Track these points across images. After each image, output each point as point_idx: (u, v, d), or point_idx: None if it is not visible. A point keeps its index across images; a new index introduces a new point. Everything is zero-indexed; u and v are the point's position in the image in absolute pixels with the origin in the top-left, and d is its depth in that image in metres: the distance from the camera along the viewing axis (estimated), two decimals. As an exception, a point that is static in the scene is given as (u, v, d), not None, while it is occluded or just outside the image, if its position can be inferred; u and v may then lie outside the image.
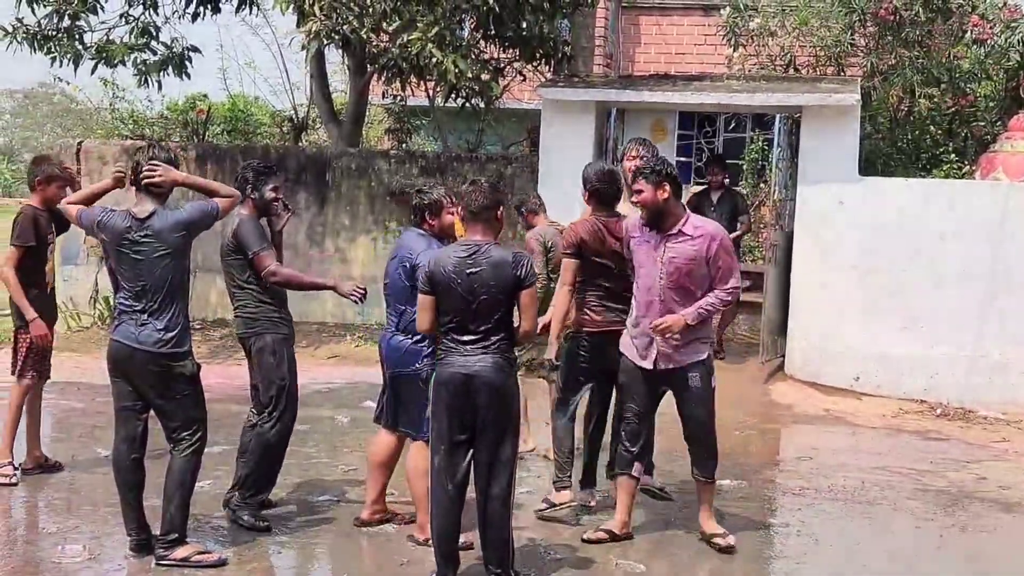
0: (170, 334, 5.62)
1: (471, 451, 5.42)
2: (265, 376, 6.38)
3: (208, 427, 5.88)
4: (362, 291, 6.39)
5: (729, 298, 6.22)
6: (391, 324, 6.25)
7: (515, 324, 5.47)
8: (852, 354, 10.82)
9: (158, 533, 5.69)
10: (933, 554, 6.60)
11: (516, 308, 5.40)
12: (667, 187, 5.92)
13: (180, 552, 5.65)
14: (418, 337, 5.96)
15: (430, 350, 5.84)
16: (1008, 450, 9.28)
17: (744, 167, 18.49)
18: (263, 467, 6.38)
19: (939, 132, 13.26)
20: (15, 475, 7.02)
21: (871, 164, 11.92)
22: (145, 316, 5.59)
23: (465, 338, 5.33)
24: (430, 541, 5.81)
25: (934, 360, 10.64)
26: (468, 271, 5.27)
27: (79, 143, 13.86)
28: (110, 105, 17.58)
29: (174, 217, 5.70)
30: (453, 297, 5.32)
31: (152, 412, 5.76)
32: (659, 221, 6.06)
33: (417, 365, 6.03)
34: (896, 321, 10.76)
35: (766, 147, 15.91)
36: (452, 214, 6.24)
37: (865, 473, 8.23)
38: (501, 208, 5.55)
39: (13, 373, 7.24)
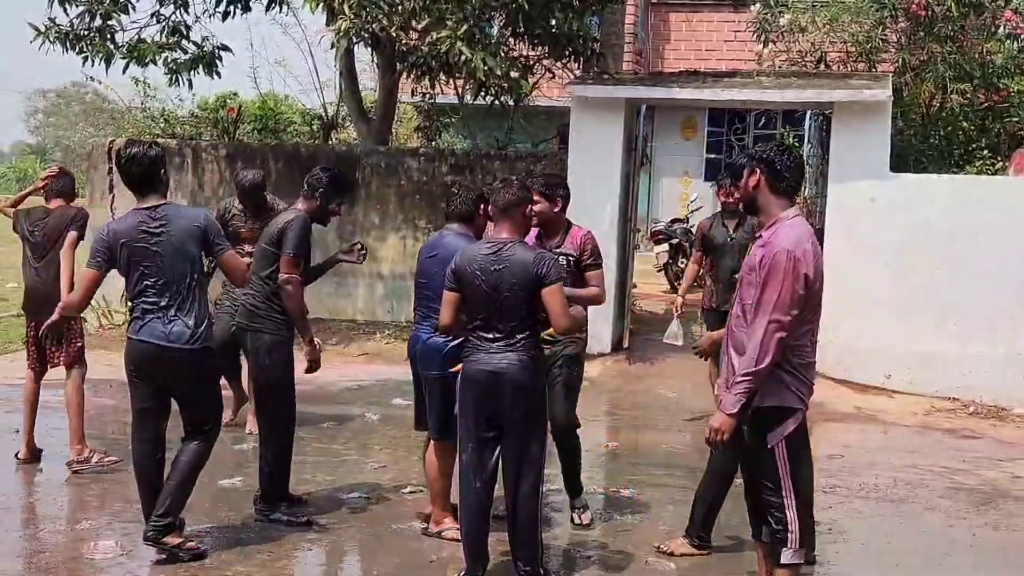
0: (199, 329, 5.63)
1: (499, 448, 5.42)
2: (259, 376, 6.45)
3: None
4: (362, 252, 6.54)
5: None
6: (422, 325, 6.21)
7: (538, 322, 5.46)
8: (884, 352, 10.78)
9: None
10: (965, 552, 6.56)
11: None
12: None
13: (173, 539, 5.62)
14: (458, 340, 5.84)
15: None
16: (1042, 449, 9.24)
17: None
18: (274, 471, 6.38)
19: (972, 128, 13.19)
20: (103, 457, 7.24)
21: (903, 161, 11.86)
22: (173, 312, 5.57)
23: (490, 336, 5.32)
24: (443, 533, 5.98)
25: (967, 358, 10.59)
26: (493, 268, 5.26)
27: (111, 142, 13.98)
28: (141, 104, 17.69)
29: (187, 210, 5.74)
30: (478, 294, 5.32)
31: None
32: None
33: (447, 368, 5.95)
34: (929, 319, 10.71)
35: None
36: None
37: (896, 471, 8.20)
38: (529, 207, 5.57)
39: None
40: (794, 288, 4.64)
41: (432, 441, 6.20)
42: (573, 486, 6.62)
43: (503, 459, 5.44)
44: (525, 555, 5.39)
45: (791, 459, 4.78)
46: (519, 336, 5.30)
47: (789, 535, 4.76)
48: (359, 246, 6.64)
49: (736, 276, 7.79)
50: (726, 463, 5.85)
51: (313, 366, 6.43)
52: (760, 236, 5.06)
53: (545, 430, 5.62)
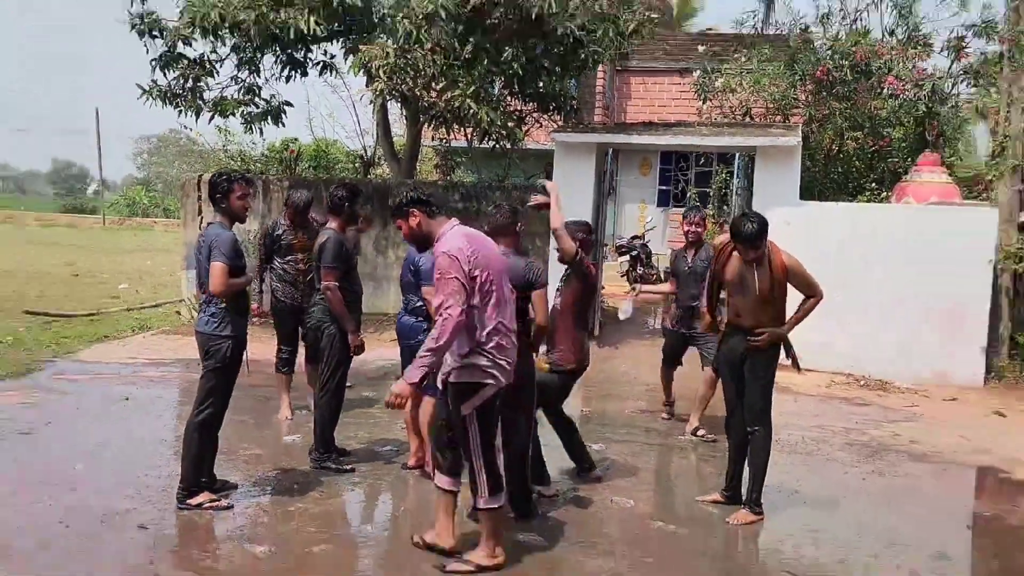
0: (207, 318, 5.54)
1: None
2: (325, 357, 6.39)
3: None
4: (360, 348, 6.44)
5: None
6: (402, 309, 6.37)
7: (530, 318, 5.39)
8: (795, 339, 10.71)
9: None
10: (857, 492, 6.57)
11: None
12: (416, 213, 4.82)
13: (195, 499, 5.47)
14: (420, 318, 6.06)
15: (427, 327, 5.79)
16: (916, 413, 9.24)
17: (711, 194, 18.58)
18: (325, 429, 6.40)
19: (862, 166, 13.27)
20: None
21: (810, 192, 11.90)
22: (202, 303, 5.65)
23: None
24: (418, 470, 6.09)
25: (859, 344, 10.61)
26: None
27: (199, 176, 13.96)
28: (223, 146, 17.71)
29: (214, 228, 5.58)
30: None
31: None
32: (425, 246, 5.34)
33: (419, 338, 5.87)
34: (830, 313, 10.69)
35: (728, 178, 15.88)
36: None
37: (804, 431, 8.21)
38: (518, 225, 5.49)
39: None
40: (457, 282, 4.45)
41: (426, 398, 6.12)
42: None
43: (502, 418, 5.24)
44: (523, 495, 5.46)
45: (481, 426, 4.60)
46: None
47: (479, 487, 4.66)
48: (361, 348, 6.51)
49: (695, 303, 7.66)
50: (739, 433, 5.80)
51: (358, 351, 6.43)
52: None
53: (533, 399, 5.48)
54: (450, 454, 4.82)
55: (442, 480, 4.83)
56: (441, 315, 4.43)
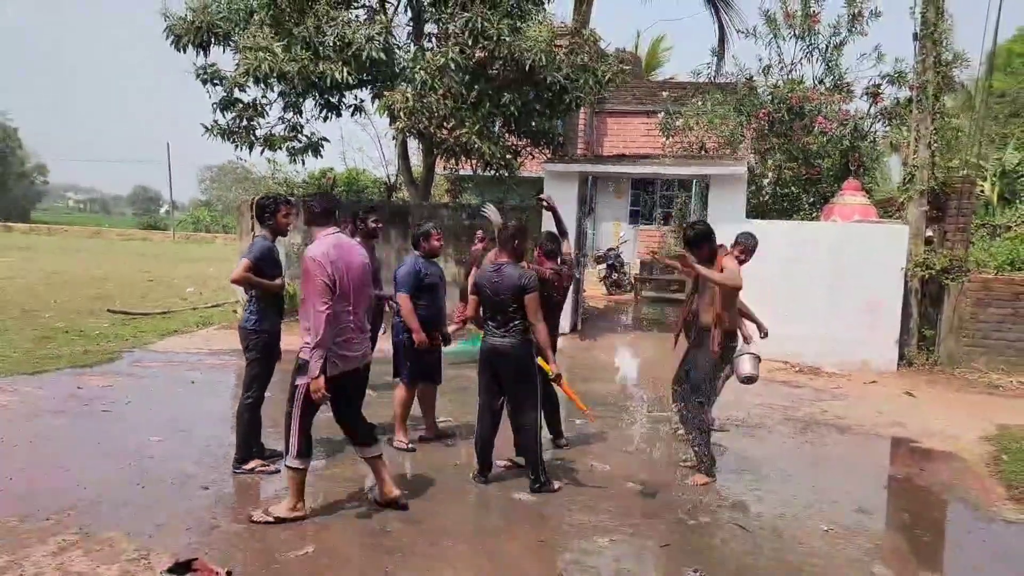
0: (248, 315, 5.50)
1: (503, 398, 5.37)
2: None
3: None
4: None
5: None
6: (395, 311, 6.24)
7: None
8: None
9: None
10: (794, 458, 6.58)
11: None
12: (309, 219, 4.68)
13: (248, 465, 5.47)
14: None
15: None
16: (842, 394, 9.24)
17: (673, 214, 18.58)
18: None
19: (797, 191, 13.27)
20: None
21: (755, 212, 11.91)
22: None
23: (493, 324, 5.26)
24: (394, 443, 6.04)
25: (794, 335, 10.61)
26: (493, 280, 5.22)
27: (252, 199, 13.95)
28: (272, 174, 17.73)
29: (258, 241, 5.54)
30: (485, 297, 5.27)
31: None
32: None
33: (402, 336, 6.04)
34: (771, 310, 10.68)
35: (687, 201, 15.91)
36: (438, 241, 6.16)
37: (749, 408, 8.22)
38: (518, 241, 5.36)
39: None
40: (323, 282, 4.33)
41: (401, 383, 6.24)
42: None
43: (507, 404, 5.37)
44: (529, 465, 5.38)
45: (304, 401, 4.45)
46: (511, 325, 5.19)
47: (289, 447, 4.55)
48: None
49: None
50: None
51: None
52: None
53: (535, 386, 5.30)
54: (305, 440, 4.61)
55: (293, 461, 4.62)
56: (312, 313, 4.31)
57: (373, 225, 6.83)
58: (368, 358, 4.78)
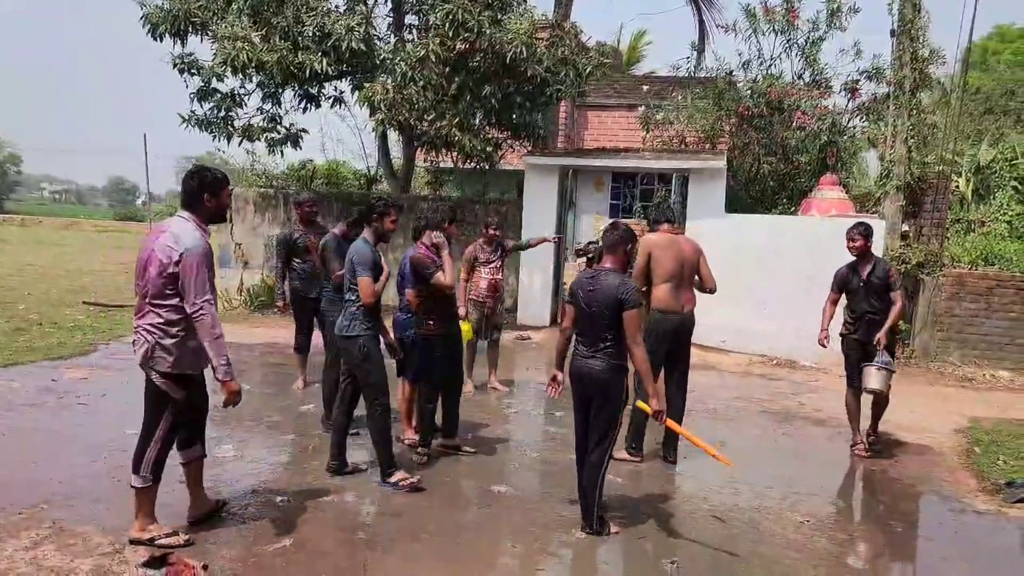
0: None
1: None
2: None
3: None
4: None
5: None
6: (398, 306, 6.11)
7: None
8: (721, 326, 10.86)
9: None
10: (771, 449, 6.65)
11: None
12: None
13: (395, 476, 5.16)
14: (409, 315, 5.80)
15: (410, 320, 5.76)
16: (819, 387, 9.34)
17: (651, 207, 18.57)
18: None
19: (776, 185, 13.33)
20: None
21: (733, 206, 11.97)
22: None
23: (581, 340, 4.57)
24: (404, 440, 5.96)
25: (772, 329, 10.71)
26: (587, 288, 4.52)
27: (231, 190, 13.84)
28: (251, 166, 17.52)
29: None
30: (578, 307, 4.59)
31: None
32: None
33: (408, 332, 5.85)
34: (749, 305, 10.81)
35: (667, 195, 15.94)
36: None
37: (728, 401, 8.28)
38: (629, 245, 4.60)
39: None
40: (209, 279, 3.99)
41: (406, 380, 6.15)
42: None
43: (588, 430, 4.63)
44: (584, 507, 4.66)
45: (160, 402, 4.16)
46: (601, 344, 4.46)
47: (141, 463, 4.16)
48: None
49: (874, 316, 6.54)
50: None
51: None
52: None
53: (616, 420, 4.55)
54: (185, 432, 4.40)
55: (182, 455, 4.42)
56: (203, 310, 3.95)
57: (389, 228, 6.62)
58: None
